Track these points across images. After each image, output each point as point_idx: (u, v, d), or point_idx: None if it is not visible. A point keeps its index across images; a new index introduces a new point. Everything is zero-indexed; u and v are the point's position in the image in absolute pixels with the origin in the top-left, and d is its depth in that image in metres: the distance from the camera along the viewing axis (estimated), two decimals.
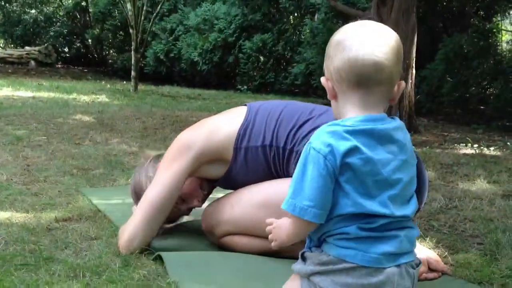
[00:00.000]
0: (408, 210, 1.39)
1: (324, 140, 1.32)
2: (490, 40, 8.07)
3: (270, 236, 1.47)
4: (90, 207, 2.49)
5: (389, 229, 1.35)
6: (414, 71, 5.66)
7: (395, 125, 1.38)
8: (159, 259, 1.85)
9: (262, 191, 1.90)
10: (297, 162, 1.85)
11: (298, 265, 1.44)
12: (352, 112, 1.37)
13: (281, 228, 1.44)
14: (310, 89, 10.22)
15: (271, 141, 1.90)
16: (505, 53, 8.57)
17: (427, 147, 4.71)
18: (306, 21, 10.55)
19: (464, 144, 4.87)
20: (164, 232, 2.18)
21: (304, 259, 1.43)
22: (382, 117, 1.36)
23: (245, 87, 11.53)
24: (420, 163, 1.80)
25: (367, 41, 1.34)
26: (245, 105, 2.06)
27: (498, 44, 8.74)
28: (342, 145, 1.31)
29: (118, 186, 2.95)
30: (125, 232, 1.93)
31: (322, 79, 1.41)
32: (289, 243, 1.43)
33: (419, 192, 1.76)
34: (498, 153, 4.44)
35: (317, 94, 9.84)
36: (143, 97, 8.66)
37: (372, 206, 1.32)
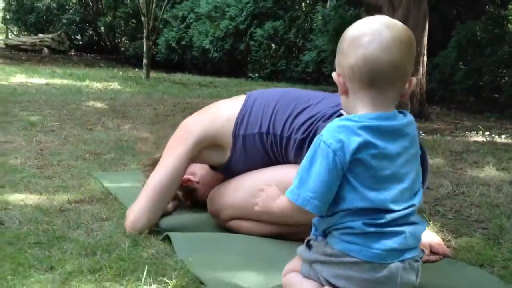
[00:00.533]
0: (416, 200, 1.40)
1: (335, 135, 1.33)
2: (504, 28, 8.00)
3: (258, 201, 1.51)
4: (101, 190, 2.54)
5: (395, 225, 1.35)
6: (425, 58, 5.65)
7: (407, 121, 1.39)
8: (167, 239, 1.90)
9: (263, 177, 1.94)
10: (295, 150, 1.89)
11: (302, 250, 1.47)
12: (363, 110, 1.38)
13: (274, 201, 1.47)
14: (322, 76, 10.20)
15: (268, 129, 1.95)
16: None
17: (438, 134, 4.70)
18: (318, 8, 10.51)
19: (475, 132, 4.86)
20: (173, 213, 2.24)
21: (309, 246, 1.45)
22: (394, 114, 1.38)
23: (257, 74, 11.53)
24: (423, 151, 1.82)
25: (382, 38, 1.33)
26: (246, 94, 2.11)
27: (509, 31, 8.66)
28: (354, 141, 1.32)
29: (129, 170, 3.01)
30: (130, 214, 2.00)
31: (334, 74, 1.42)
32: (277, 216, 1.47)
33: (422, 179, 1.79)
34: (510, 140, 4.44)
35: (328, 81, 9.82)
36: (154, 85, 8.71)
37: (382, 200, 1.34)
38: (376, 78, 1.35)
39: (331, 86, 9.30)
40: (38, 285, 1.51)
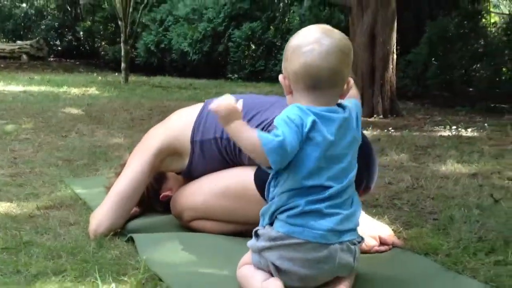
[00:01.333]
0: (350, 176, 1.55)
1: (296, 113, 1.49)
2: (476, 23, 8.17)
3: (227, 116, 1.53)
4: (71, 196, 2.62)
5: (334, 205, 1.51)
6: (395, 56, 5.79)
7: (347, 115, 1.55)
8: (132, 240, 1.99)
9: (220, 179, 2.06)
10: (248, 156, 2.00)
11: (251, 241, 1.59)
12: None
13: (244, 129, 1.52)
14: None
15: (222, 134, 2.05)
16: (492, 34, 8.67)
17: (407, 130, 4.83)
18: (294, 9, 10.63)
19: (443, 127, 5.00)
20: (138, 216, 2.33)
21: (257, 236, 1.58)
22: (334, 108, 1.54)
23: (236, 75, 11.61)
24: (369, 148, 1.95)
25: (322, 48, 1.49)
26: (204, 101, 2.22)
27: (484, 26, 8.84)
28: (309, 120, 1.48)
29: (100, 175, 3.08)
30: (93, 220, 2.09)
31: (280, 77, 1.58)
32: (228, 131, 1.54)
33: (368, 174, 1.91)
34: (475, 134, 4.58)
35: None
36: (133, 89, 8.77)
37: (324, 178, 1.49)
38: (317, 83, 1.52)
39: None
40: (5, 287, 1.59)
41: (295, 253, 1.49)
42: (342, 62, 1.52)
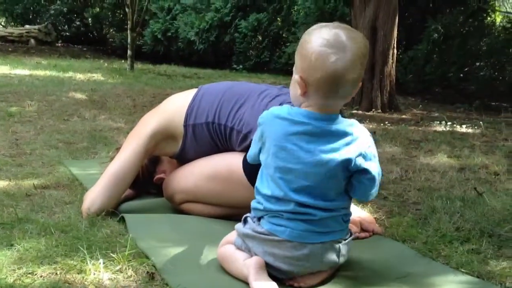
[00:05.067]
0: (333, 204, 1.58)
1: (269, 118, 1.56)
2: (481, 20, 8.19)
3: None
4: (68, 177, 2.70)
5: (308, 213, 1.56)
6: (395, 51, 5.83)
7: (343, 127, 1.56)
8: (124, 221, 2.07)
9: (210, 163, 2.15)
10: (240, 140, 2.08)
11: (239, 225, 1.68)
12: (307, 108, 1.57)
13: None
14: None
15: (213, 119, 2.13)
16: (495, 32, 8.68)
17: (403, 124, 4.89)
18: (299, 1, 10.65)
19: (439, 122, 5.05)
20: (132, 199, 2.42)
21: (245, 222, 1.66)
22: (333, 117, 1.56)
23: (241, 66, 11.67)
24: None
25: (347, 57, 1.50)
26: (197, 87, 2.29)
27: (488, 24, 8.85)
28: (278, 130, 1.55)
29: (98, 158, 3.16)
30: (86, 199, 2.17)
31: (297, 77, 1.56)
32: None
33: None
34: (469, 130, 4.63)
35: None
36: (138, 76, 8.84)
37: (290, 193, 1.55)
38: (338, 92, 1.54)
39: None
40: None
41: (276, 249, 1.57)
42: (363, 67, 1.56)
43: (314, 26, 1.58)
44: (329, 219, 1.57)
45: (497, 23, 9.32)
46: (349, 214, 1.66)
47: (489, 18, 9.02)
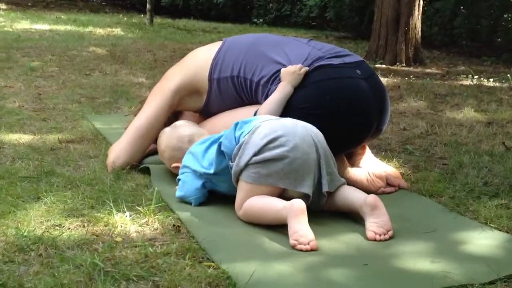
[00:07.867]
0: None
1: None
2: None
3: None
4: (92, 131, 2.71)
5: None
6: (421, 2, 5.65)
7: None
8: (148, 173, 2.08)
9: (233, 118, 2.08)
10: (265, 95, 2.04)
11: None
12: None
13: None
14: (325, 22, 10.15)
15: (239, 72, 2.09)
16: None
17: (428, 78, 4.79)
18: None
19: (465, 76, 4.94)
20: (156, 153, 2.41)
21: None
22: None
23: (261, 20, 11.47)
24: (383, 93, 1.99)
25: None
26: (222, 40, 2.23)
27: None
28: None
29: (121, 113, 3.16)
30: (111, 153, 2.17)
31: None
32: None
33: (380, 117, 1.96)
34: (497, 84, 4.52)
35: (331, 26, 9.80)
36: (158, 30, 8.76)
37: None
38: None
39: (334, 31, 9.30)
40: (24, 212, 1.70)
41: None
42: None
43: None
44: None
45: None
46: None
47: None
